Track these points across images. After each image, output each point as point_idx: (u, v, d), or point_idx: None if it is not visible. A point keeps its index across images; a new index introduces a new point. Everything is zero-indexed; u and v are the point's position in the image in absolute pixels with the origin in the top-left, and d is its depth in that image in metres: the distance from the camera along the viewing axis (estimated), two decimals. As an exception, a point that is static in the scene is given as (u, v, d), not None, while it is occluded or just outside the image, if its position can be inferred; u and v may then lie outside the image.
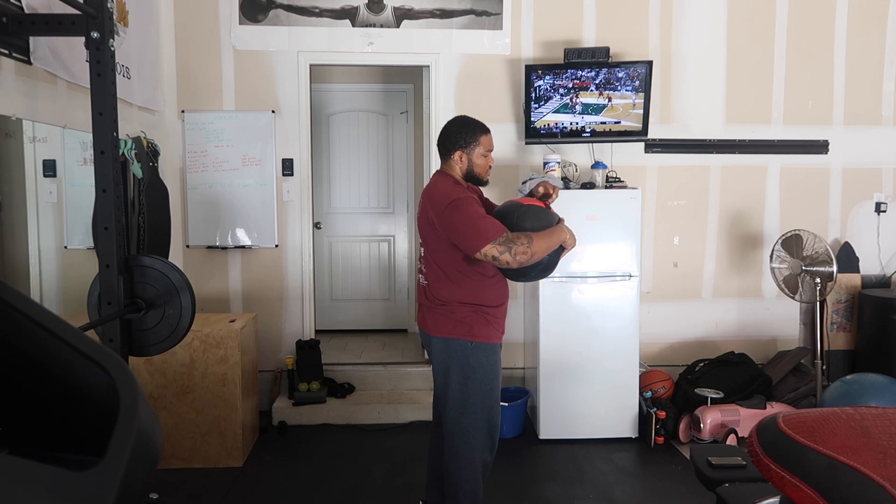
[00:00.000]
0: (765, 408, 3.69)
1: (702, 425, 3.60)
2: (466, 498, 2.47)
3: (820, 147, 4.35)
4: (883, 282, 4.41)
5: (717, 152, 4.30)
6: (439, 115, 4.18)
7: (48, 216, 2.82)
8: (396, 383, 4.25)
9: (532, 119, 3.99)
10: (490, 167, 2.54)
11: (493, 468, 2.73)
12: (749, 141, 4.30)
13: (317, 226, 5.16)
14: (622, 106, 3.96)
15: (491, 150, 2.52)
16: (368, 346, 4.90)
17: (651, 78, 3.95)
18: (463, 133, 2.48)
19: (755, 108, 4.30)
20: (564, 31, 4.16)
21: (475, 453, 2.45)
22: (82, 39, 2.02)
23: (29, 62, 2.45)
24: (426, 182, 4.51)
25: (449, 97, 4.17)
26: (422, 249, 2.54)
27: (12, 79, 2.41)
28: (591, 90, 3.96)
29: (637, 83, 3.94)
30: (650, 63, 3.95)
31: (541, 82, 3.96)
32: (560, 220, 2.45)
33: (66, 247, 2.99)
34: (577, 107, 3.97)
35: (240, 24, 4.05)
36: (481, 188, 2.65)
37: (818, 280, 3.65)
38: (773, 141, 4.31)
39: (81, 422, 0.70)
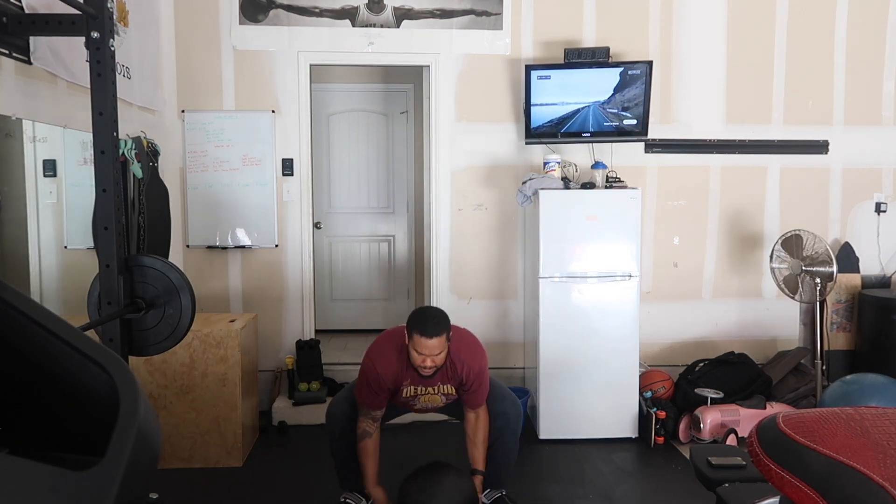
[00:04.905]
0: (765, 408, 3.69)
1: (702, 425, 3.60)
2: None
3: (820, 147, 4.35)
4: (883, 282, 4.41)
5: (717, 152, 4.30)
6: (439, 115, 4.18)
7: (48, 216, 2.82)
8: (396, 383, 4.25)
9: (532, 119, 3.99)
10: (426, 367, 2.60)
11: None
12: (749, 141, 4.30)
13: (317, 226, 5.15)
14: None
15: (424, 353, 2.56)
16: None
17: (651, 78, 3.95)
18: (409, 324, 2.62)
19: (755, 108, 4.30)
20: (564, 31, 4.15)
21: None
22: (82, 39, 2.02)
23: (29, 62, 2.45)
24: (426, 182, 4.53)
25: (449, 97, 4.17)
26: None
27: (12, 79, 2.41)
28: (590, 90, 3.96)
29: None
30: (650, 63, 3.95)
31: (541, 82, 3.96)
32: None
33: (66, 247, 2.99)
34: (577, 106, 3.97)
35: (240, 24, 4.05)
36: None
37: (818, 280, 3.65)
38: (773, 141, 4.31)
39: (81, 422, 0.70)
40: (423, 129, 4.84)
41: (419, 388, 2.73)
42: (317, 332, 4.40)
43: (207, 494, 3.09)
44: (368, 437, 2.72)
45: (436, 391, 2.75)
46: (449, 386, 2.74)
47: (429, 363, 2.58)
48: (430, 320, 2.59)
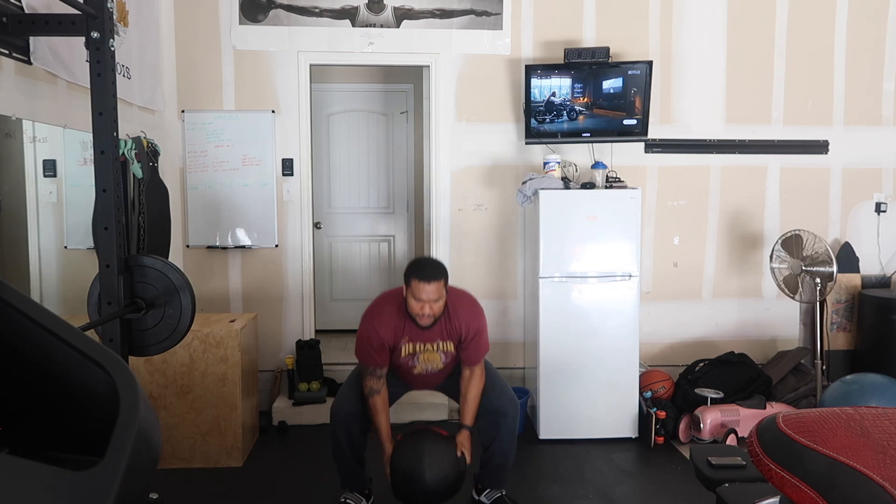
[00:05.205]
0: (765, 408, 3.69)
1: (702, 425, 3.60)
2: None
3: (820, 147, 4.35)
4: (883, 282, 4.41)
5: (717, 152, 4.30)
6: (439, 115, 4.18)
7: (48, 216, 2.82)
8: (396, 383, 4.24)
9: (532, 119, 3.99)
10: (424, 314, 2.62)
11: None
12: (749, 141, 4.30)
13: (317, 226, 5.16)
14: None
15: (422, 298, 2.59)
16: (368, 346, 4.89)
17: (651, 78, 3.95)
18: (407, 272, 2.66)
19: (755, 108, 4.30)
20: (564, 31, 4.15)
21: None
22: (82, 39, 2.02)
23: (29, 62, 2.45)
24: (426, 183, 4.53)
25: (449, 97, 4.17)
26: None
27: (12, 79, 2.41)
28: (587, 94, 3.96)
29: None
30: (650, 63, 3.95)
31: (541, 82, 3.96)
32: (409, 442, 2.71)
33: (66, 247, 2.99)
34: (576, 107, 3.97)
35: (240, 24, 4.05)
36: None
37: (818, 280, 3.65)
38: (773, 141, 4.31)
39: (81, 422, 0.70)
40: (423, 129, 4.84)
41: (418, 345, 2.74)
42: (317, 332, 4.40)
43: (207, 494, 3.09)
44: (377, 394, 2.73)
45: (435, 349, 2.75)
46: (448, 343, 2.75)
47: (427, 310, 2.59)
48: (427, 266, 2.63)
